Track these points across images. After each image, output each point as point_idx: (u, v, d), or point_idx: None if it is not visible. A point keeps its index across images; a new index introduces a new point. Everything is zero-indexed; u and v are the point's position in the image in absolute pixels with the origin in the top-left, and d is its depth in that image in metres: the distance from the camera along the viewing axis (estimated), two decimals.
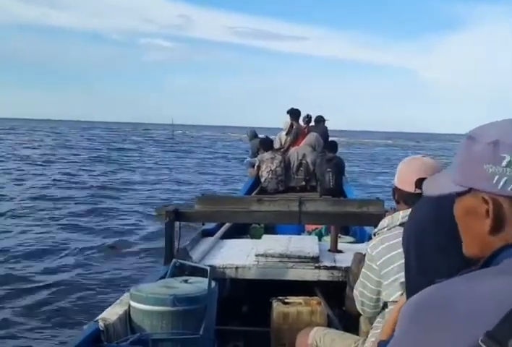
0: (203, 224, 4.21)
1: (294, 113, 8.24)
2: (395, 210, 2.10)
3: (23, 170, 16.64)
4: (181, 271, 2.90)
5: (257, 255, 3.47)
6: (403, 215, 1.90)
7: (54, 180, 14.45)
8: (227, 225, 4.55)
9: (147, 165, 20.52)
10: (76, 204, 10.83)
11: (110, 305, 2.64)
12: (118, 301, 2.65)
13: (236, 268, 3.41)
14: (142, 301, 2.46)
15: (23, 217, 9.39)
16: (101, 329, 2.34)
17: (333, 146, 7.18)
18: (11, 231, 8.09)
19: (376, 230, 2.07)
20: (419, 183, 1.93)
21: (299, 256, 3.44)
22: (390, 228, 1.99)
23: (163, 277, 2.84)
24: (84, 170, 17.57)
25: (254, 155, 7.93)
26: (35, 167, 17.84)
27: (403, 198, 2.00)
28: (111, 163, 20.92)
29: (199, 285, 2.60)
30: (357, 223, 4.12)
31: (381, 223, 2.06)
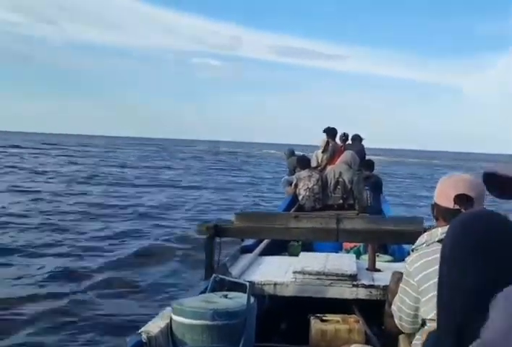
0: (242, 240, 4.27)
1: (331, 132, 8.30)
2: (434, 228, 2.11)
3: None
4: (220, 286, 2.94)
5: (294, 272, 3.47)
6: (441, 231, 1.91)
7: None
8: (265, 242, 4.58)
9: (183, 183, 20.62)
10: (122, 221, 11.04)
11: (151, 318, 2.70)
12: (160, 314, 2.69)
13: (275, 285, 3.42)
14: (184, 314, 2.50)
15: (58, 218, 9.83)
16: (144, 341, 2.38)
17: (369, 164, 7.17)
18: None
19: (414, 246, 2.07)
20: (458, 199, 1.95)
21: (337, 274, 3.43)
22: (428, 244, 2.00)
23: (203, 292, 2.88)
24: (125, 188, 17.95)
25: (292, 173, 7.98)
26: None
27: (441, 214, 2.01)
28: (152, 180, 21.24)
29: (238, 300, 2.63)
30: (395, 241, 4.09)
31: (419, 239, 2.07)
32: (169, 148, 67.06)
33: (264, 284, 3.41)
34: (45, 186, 17.31)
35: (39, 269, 6.78)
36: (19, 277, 6.36)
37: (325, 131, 8.30)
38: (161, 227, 10.40)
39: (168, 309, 2.66)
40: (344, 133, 8.97)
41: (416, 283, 1.96)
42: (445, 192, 2.00)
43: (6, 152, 38.75)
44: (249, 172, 29.83)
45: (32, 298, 5.57)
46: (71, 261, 7.29)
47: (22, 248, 7.92)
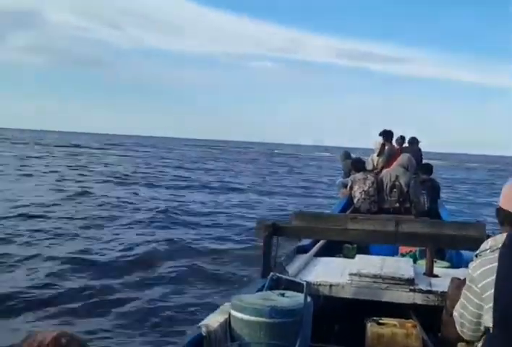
0: (299, 240, 4.29)
1: (387, 135, 8.24)
2: (499, 234, 2.06)
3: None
4: (277, 284, 2.98)
5: (350, 274, 3.46)
6: None
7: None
8: (321, 243, 4.59)
9: (233, 185, 20.62)
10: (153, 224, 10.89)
11: (208, 313, 2.77)
12: (218, 309, 2.75)
13: (330, 286, 3.42)
14: (242, 310, 2.55)
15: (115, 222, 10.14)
16: (204, 334, 2.45)
17: (428, 168, 7.02)
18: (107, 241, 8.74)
19: (478, 251, 2.03)
20: None
21: (393, 278, 3.39)
22: (493, 250, 1.95)
23: (260, 290, 2.93)
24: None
25: (347, 175, 7.95)
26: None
27: (507, 219, 1.96)
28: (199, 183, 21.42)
29: (295, 299, 2.66)
30: (455, 247, 3.99)
31: (483, 244, 2.02)
32: (226, 150, 68.28)
33: (319, 285, 3.42)
34: (89, 185, 17.34)
35: (47, 276, 6.47)
36: (21, 285, 5.99)
37: (381, 134, 8.26)
38: (194, 233, 10.08)
39: (227, 304, 2.72)
40: (401, 136, 8.89)
41: (480, 289, 1.92)
42: (511, 196, 1.95)
43: (65, 151, 40.45)
44: (302, 175, 29.72)
45: (38, 307, 5.36)
46: (78, 267, 6.98)
47: (37, 253, 7.50)
